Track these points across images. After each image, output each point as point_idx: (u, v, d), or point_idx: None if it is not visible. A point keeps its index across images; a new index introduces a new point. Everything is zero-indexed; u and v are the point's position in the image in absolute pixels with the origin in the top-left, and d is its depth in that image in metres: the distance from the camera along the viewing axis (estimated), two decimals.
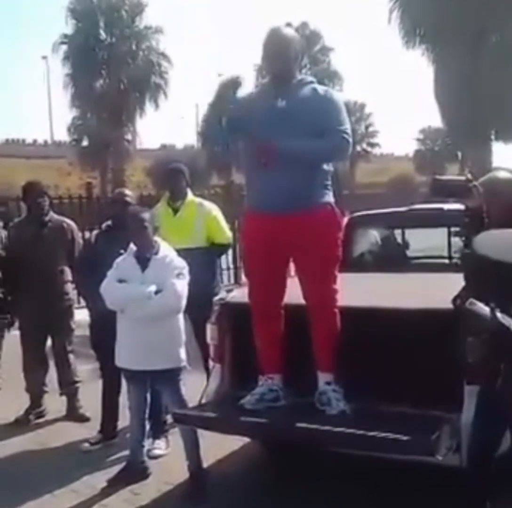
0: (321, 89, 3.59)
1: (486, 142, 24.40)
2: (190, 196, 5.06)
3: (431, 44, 25.13)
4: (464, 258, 3.17)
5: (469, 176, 3.11)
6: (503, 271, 2.65)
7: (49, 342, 5.38)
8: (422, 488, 3.62)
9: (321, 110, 3.47)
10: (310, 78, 3.69)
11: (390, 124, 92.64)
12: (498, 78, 22.27)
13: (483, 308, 2.74)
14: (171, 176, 5.09)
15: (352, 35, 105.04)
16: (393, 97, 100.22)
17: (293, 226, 3.43)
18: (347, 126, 3.48)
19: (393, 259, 5.40)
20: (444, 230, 5.18)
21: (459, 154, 38.22)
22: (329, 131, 3.43)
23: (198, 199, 5.14)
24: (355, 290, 3.75)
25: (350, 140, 3.47)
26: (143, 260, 3.89)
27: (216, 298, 4.19)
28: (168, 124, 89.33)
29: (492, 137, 24.94)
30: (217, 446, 4.17)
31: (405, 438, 3.02)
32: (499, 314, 2.66)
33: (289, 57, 3.56)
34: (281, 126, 3.40)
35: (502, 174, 3.18)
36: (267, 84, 3.76)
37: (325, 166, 3.55)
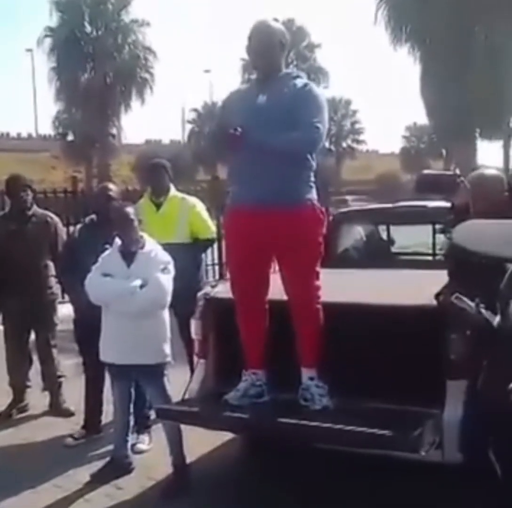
0: (300, 82, 3.56)
1: (471, 139, 24.60)
2: (173, 191, 5.04)
3: (417, 42, 25.25)
4: (448, 253, 3.20)
5: (457, 171, 3.14)
6: (486, 265, 2.66)
7: (32, 336, 5.35)
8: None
9: (297, 103, 3.44)
10: (296, 72, 3.68)
11: (376, 122, 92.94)
12: (484, 76, 22.44)
13: (468, 304, 2.75)
14: (153, 171, 5.07)
15: (339, 32, 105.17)
16: (380, 95, 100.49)
17: (276, 221, 3.43)
18: (320, 119, 3.44)
19: (378, 255, 5.43)
20: (429, 227, 5.21)
21: (444, 151, 38.42)
22: (300, 124, 3.40)
23: (180, 194, 5.12)
24: (339, 286, 3.77)
25: (320, 132, 3.42)
26: (129, 254, 3.88)
27: (201, 293, 4.19)
28: (153, 119, 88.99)
29: (477, 134, 25.13)
30: (200, 441, 4.17)
31: (388, 433, 3.04)
32: (483, 310, 2.68)
33: (272, 50, 3.55)
34: (260, 121, 3.39)
35: (488, 171, 3.20)
36: (253, 80, 3.77)
37: (307, 161, 3.54)
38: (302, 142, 3.48)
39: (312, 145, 3.50)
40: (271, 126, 3.37)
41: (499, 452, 2.64)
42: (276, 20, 3.73)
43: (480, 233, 2.55)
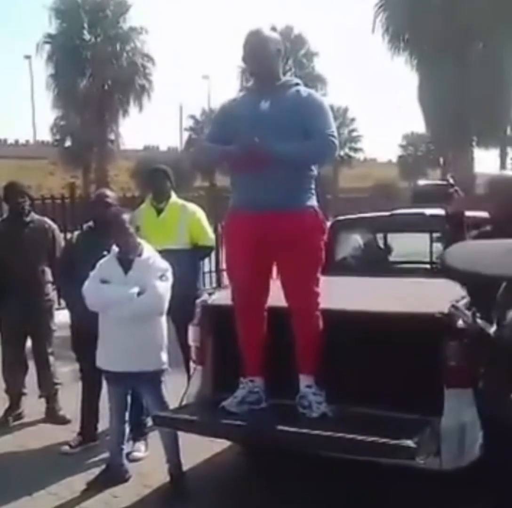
0: (304, 91, 3.59)
1: (468, 148, 24.69)
2: (173, 197, 5.04)
3: (415, 50, 25.35)
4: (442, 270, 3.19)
5: (451, 180, 3.13)
6: (480, 281, 2.66)
7: (29, 343, 5.33)
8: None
9: (305, 112, 3.47)
10: (295, 80, 3.69)
11: (373, 130, 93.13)
12: (481, 85, 22.53)
13: (464, 313, 2.76)
14: (155, 176, 5.08)
15: (337, 40, 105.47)
16: (377, 103, 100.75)
17: (277, 227, 3.44)
18: (333, 129, 3.50)
19: (375, 263, 5.43)
20: (426, 235, 5.22)
21: (441, 159, 38.52)
22: (315, 133, 3.44)
23: (181, 201, 5.12)
24: (337, 293, 3.76)
25: (337, 142, 3.48)
26: (126, 261, 3.88)
27: (199, 300, 4.19)
28: (151, 125, 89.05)
29: (474, 143, 25.22)
30: (197, 448, 4.16)
31: (386, 441, 3.03)
32: (479, 319, 2.68)
33: (267, 57, 3.56)
34: (265, 128, 3.40)
35: (507, 172, 3.17)
36: (252, 87, 3.78)
37: (310, 170, 3.55)
38: (320, 153, 3.53)
39: (329, 155, 3.57)
40: (277, 133, 3.38)
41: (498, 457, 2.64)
42: (274, 28, 3.75)
43: (472, 254, 2.56)
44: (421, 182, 3.39)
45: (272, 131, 3.39)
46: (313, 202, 3.56)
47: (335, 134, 3.48)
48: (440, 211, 4.09)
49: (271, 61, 3.58)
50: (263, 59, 3.55)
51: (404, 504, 3.63)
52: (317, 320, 3.53)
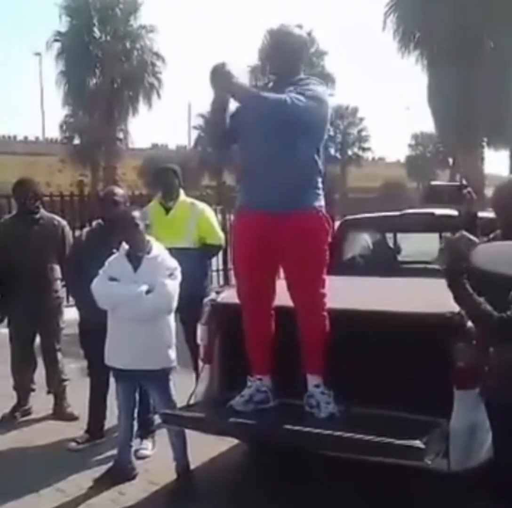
0: (308, 82, 3.53)
1: (477, 149, 24.57)
2: (182, 196, 5.05)
3: (425, 50, 25.25)
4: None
5: (464, 181, 3.12)
6: (500, 281, 2.65)
7: (37, 340, 5.34)
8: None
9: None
10: (309, 78, 3.65)
11: (382, 130, 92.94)
12: (491, 85, 22.44)
13: None
14: (164, 175, 5.08)
15: (347, 39, 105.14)
16: (386, 103, 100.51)
17: (281, 226, 3.43)
18: (302, 98, 3.33)
19: (384, 263, 5.41)
20: (436, 235, 5.19)
21: (451, 160, 38.41)
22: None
23: (190, 199, 5.13)
24: (346, 293, 3.75)
25: (297, 103, 3.31)
26: (135, 259, 3.88)
27: (207, 298, 4.18)
28: (160, 123, 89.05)
29: (484, 144, 25.10)
30: (204, 447, 4.16)
31: (394, 442, 3.02)
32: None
33: (289, 51, 3.55)
34: (268, 126, 3.39)
35: None
36: (264, 86, 3.78)
37: (316, 166, 3.52)
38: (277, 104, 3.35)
39: (282, 106, 3.34)
40: (281, 130, 3.37)
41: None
42: (286, 25, 3.72)
43: (496, 254, 2.57)
44: (434, 182, 3.37)
45: (275, 129, 3.38)
46: (318, 202, 3.53)
47: (301, 99, 3.32)
48: (450, 211, 4.07)
49: (293, 55, 3.58)
50: (285, 52, 3.55)
51: (406, 504, 3.61)
52: (324, 320, 3.52)
